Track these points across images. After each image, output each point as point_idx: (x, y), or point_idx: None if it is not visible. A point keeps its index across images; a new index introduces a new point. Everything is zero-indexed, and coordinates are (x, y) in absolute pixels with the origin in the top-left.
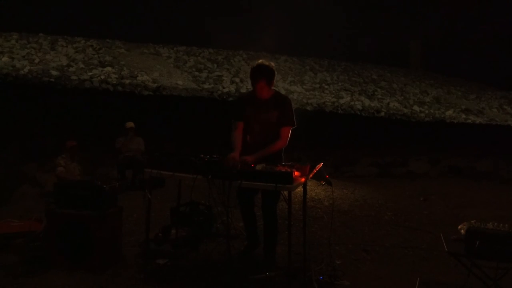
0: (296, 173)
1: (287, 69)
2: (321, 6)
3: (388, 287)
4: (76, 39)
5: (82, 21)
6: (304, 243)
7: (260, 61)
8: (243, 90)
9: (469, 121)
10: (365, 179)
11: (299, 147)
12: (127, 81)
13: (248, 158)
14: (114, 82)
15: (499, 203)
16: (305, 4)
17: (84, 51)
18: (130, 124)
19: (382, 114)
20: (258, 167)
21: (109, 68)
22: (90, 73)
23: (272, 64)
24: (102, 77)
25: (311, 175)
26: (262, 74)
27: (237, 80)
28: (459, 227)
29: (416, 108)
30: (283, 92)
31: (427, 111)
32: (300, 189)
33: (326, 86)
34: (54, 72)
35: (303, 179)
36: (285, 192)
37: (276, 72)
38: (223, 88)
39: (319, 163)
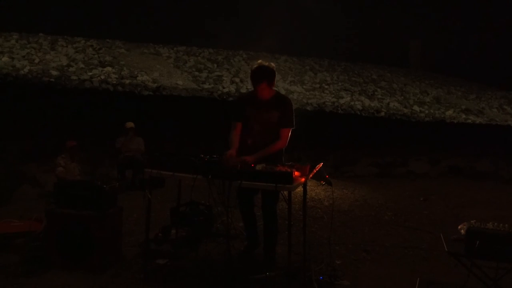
0: (296, 173)
1: (287, 69)
2: (321, 6)
3: (388, 287)
4: (76, 39)
5: (82, 21)
6: (304, 243)
7: (259, 61)
8: (243, 90)
9: (469, 121)
10: (365, 179)
11: (299, 147)
12: (127, 81)
13: (248, 158)
14: (114, 82)
15: (499, 203)
16: (305, 4)
17: (84, 51)
18: (130, 124)
19: (382, 114)
20: (258, 167)
21: (109, 68)
22: (90, 73)
23: (272, 64)
24: (102, 77)
25: (311, 175)
26: (263, 76)
27: (237, 80)
28: (459, 227)
29: (416, 108)
30: (283, 92)
31: (427, 111)
32: (300, 189)
33: (326, 86)
34: (54, 72)
35: (303, 179)
36: (285, 192)
37: (276, 72)
38: (223, 88)
39: (319, 163)
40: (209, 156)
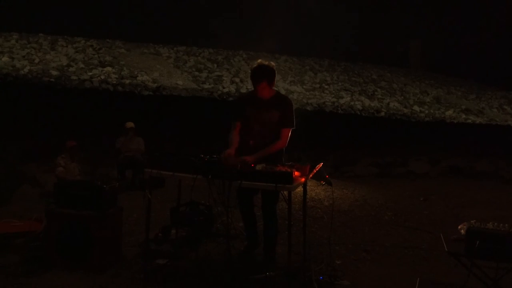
0: (296, 173)
1: (287, 69)
2: (321, 6)
3: (388, 287)
4: (76, 39)
5: (82, 21)
6: (304, 243)
7: (259, 61)
8: (243, 90)
9: (469, 121)
10: (365, 179)
11: (299, 147)
12: (127, 81)
13: (248, 158)
14: (114, 82)
15: (499, 203)
16: (305, 4)
17: (84, 51)
18: (130, 124)
19: (382, 114)
20: (258, 167)
21: (109, 68)
22: (90, 73)
23: (272, 63)
24: (102, 77)
25: (311, 175)
26: (263, 75)
27: (237, 80)
28: (459, 227)
29: (416, 108)
30: (283, 92)
31: (427, 111)
32: (300, 189)
33: (326, 86)
34: (54, 72)
35: (303, 179)
36: (285, 192)
37: (276, 72)
38: (223, 88)
39: (319, 163)
40: (209, 156)
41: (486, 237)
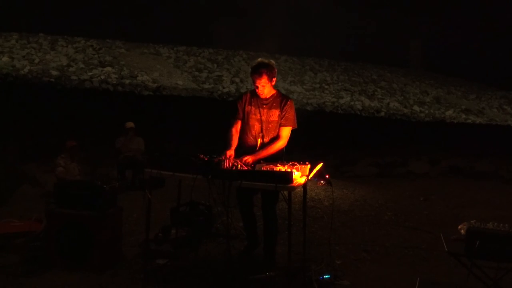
0: (296, 173)
1: (287, 69)
2: (321, 6)
3: (388, 287)
4: (76, 39)
5: (82, 21)
6: (304, 243)
7: (259, 59)
8: (243, 90)
9: (469, 121)
10: (365, 179)
11: (299, 147)
12: (127, 81)
13: (248, 158)
14: (114, 82)
15: (499, 203)
16: (305, 4)
17: (84, 51)
18: (130, 124)
19: (382, 114)
20: (258, 167)
21: (109, 68)
22: (90, 73)
23: (272, 61)
24: (102, 77)
25: (311, 175)
26: (263, 70)
27: (237, 80)
28: (459, 227)
29: (416, 108)
30: (283, 92)
31: (427, 111)
32: (300, 189)
33: (326, 86)
34: (54, 72)
35: (303, 179)
36: (285, 192)
37: (276, 69)
38: (223, 88)
39: (319, 163)
40: (209, 156)
41: (486, 237)
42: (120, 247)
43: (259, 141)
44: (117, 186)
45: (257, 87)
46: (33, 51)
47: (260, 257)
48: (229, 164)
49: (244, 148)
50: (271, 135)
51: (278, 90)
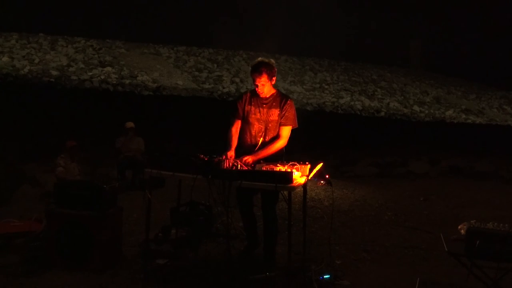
0: (296, 173)
1: (287, 69)
2: (321, 6)
3: (388, 287)
4: (76, 39)
5: (82, 21)
6: (304, 243)
7: (259, 58)
8: (243, 90)
9: (469, 121)
10: (365, 179)
11: (299, 147)
12: (127, 81)
13: (249, 158)
14: (114, 82)
15: (499, 203)
16: (305, 4)
17: (84, 51)
18: (130, 124)
19: (382, 114)
20: (258, 167)
21: (109, 68)
22: (90, 73)
23: (272, 60)
24: (102, 77)
25: (311, 175)
26: (262, 69)
27: (237, 80)
28: (459, 227)
29: (416, 108)
30: (283, 92)
31: (427, 111)
32: (300, 189)
33: (326, 86)
34: (54, 72)
35: (303, 179)
36: (285, 192)
37: (276, 68)
38: (223, 88)
39: (319, 163)
40: (209, 156)
41: (486, 237)
42: (120, 247)
43: (259, 140)
44: (117, 186)
45: (257, 86)
46: (33, 51)
47: (260, 257)
48: (229, 164)
49: (244, 148)
50: (271, 135)
51: (278, 90)
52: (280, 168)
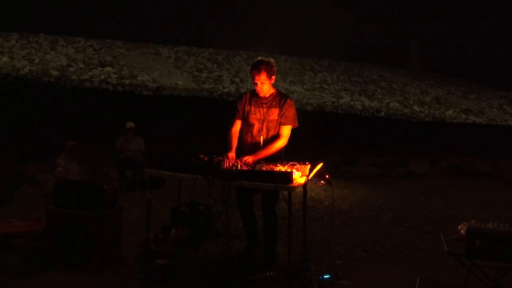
0: (296, 173)
1: (287, 69)
2: (321, 6)
3: (388, 287)
4: (76, 39)
5: (82, 21)
6: (304, 243)
7: (259, 57)
8: (243, 90)
9: (469, 121)
10: (365, 179)
11: (299, 147)
12: (127, 81)
13: (249, 158)
14: (114, 82)
15: (499, 203)
16: (305, 4)
17: (84, 51)
18: (130, 124)
19: (382, 114)
20: (258, 167)
21: (109, 68)
22: (90, 73)
23: (272, 59)
24: (102, 77)
25: (311, 175)
26: (261, 67)
27: (237, 80)
28: (459, 227)
29: (416, 108)
30: (283, 92)
31: (427, 111)
32: (300, 189)
33: (326, 86)
34: (54, 72)
35: (303, 179)
36: (285, 192)
37: (275, 67)
38: (223, 88)
39: (319, 163)
40: (209, 156)
41: (486, 237)
42: (120, 247)
43: (259, 140)
44: (117, 186)
45: (256, 84)
46: (33, 51)
47: (260, 257)
48: (229, 164)
49: (244, 148)
50: (271, 134)
51: (277, 89)
52: (280, 168)
